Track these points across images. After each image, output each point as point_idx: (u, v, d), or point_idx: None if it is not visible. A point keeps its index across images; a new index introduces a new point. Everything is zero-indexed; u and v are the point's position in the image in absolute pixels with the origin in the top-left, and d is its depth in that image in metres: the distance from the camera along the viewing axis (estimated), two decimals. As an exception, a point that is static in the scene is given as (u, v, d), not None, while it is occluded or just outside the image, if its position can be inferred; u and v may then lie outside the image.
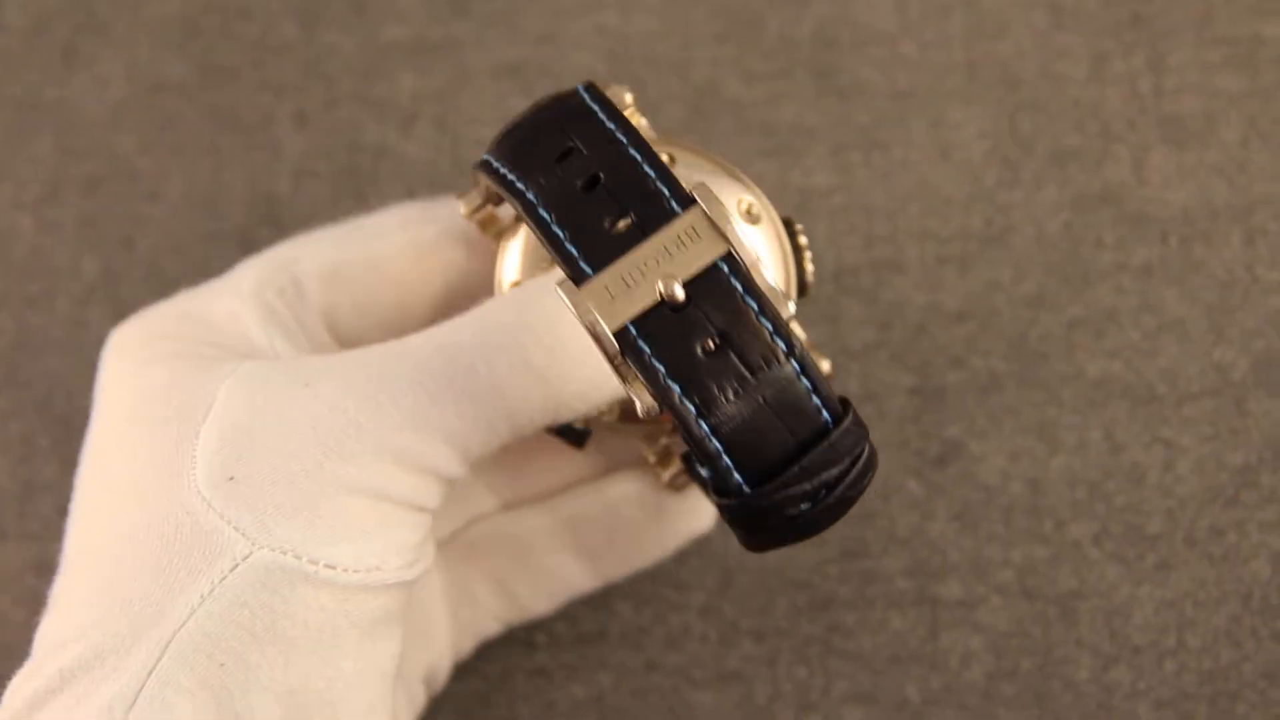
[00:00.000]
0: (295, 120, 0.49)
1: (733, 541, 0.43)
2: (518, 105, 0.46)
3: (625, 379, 0.29)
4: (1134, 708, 0.41)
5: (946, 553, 0.43)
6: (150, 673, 0.30)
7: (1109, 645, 0.42)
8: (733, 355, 0.28)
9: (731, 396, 0.28)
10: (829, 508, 0.29)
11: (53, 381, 0.46)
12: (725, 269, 0.29)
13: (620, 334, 0.28)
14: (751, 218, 0.35)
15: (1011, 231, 0.45)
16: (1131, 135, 0.46)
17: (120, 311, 0.46)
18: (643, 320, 0.28)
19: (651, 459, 0.38)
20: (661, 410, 0.29)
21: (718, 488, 0.29)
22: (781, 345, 0.28)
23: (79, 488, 0.35)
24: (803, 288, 0.36)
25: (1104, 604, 0.42)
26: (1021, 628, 0.42)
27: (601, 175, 0.30)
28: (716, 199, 0.29)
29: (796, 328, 0.29)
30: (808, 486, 0.28)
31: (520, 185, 0.31)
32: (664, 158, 0.34)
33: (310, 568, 0.31)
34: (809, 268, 0.36)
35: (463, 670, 0.42)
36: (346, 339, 0.37)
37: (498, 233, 0.36)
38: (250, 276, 0.37)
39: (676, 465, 0.38)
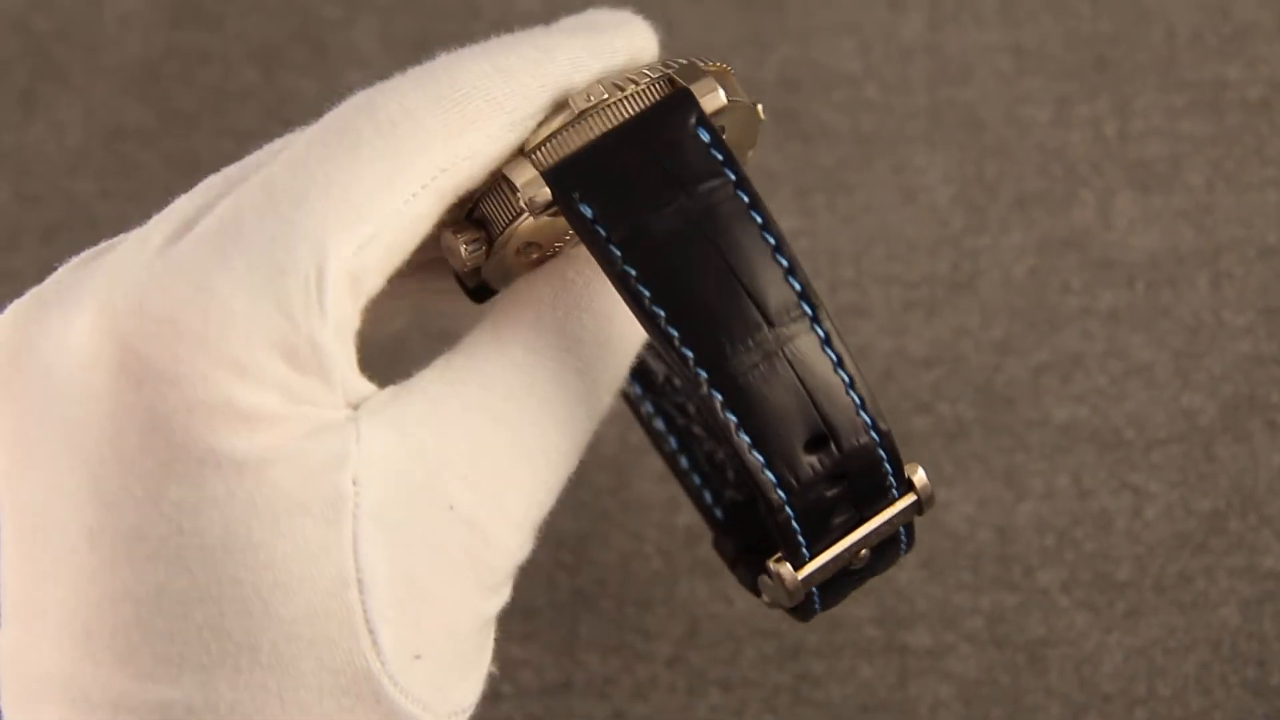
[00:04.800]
0: (256, 166, 0.48)
1: (699, 590, 0.43)
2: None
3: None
4: (1105, 756, 0.41)
5: (914, 600, 0.42)
6: None
7: (1079, 693, 0.41)
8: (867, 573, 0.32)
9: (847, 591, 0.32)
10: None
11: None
12: (901, 530, 0.31)
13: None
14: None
15: (978, 276, 0.45)
16: (1097, 179, 0.46)
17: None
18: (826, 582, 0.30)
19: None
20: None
21: (798, 613, 0.31)
22: (904, 547, 0.31)
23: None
24: None
25: (1073, 652, 0.42)
26: (991, 676, 0.42)
27: (848, 474, 0.29)
28: (923, 475, 0.30)
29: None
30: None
31: (769, 475, 0.28)
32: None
33: None
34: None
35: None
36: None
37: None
38: (272, 280, 0.26)
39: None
